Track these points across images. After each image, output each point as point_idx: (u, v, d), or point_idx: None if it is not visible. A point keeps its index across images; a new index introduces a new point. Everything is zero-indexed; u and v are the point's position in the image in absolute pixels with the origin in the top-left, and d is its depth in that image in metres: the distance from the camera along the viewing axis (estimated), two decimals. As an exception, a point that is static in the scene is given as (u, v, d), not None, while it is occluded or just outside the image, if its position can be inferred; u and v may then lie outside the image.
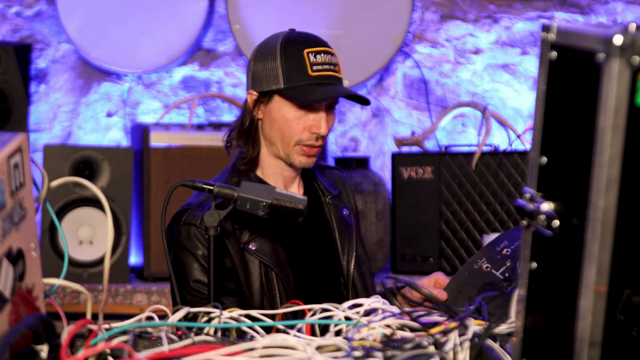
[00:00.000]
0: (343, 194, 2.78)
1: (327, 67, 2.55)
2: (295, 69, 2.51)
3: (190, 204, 2.57)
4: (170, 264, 2.33)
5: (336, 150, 4.39)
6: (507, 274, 2.16)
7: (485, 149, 3.93)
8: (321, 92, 2.51)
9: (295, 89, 2.50)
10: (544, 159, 1.47)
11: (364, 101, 2.56)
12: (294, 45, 2.54)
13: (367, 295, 2.59)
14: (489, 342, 1.62)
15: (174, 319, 1.73)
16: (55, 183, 1.73)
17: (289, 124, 2.53)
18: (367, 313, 1.80)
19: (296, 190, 2.66)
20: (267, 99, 2.54)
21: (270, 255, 2.53)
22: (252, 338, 1.71)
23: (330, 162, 4.14)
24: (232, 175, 2.61)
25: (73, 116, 4.24)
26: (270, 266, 2.50)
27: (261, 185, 2.33)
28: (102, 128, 4.25)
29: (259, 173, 2.61)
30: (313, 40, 2.58)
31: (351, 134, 4.41)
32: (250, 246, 2.51)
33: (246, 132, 2.59)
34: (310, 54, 2.54)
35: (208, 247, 2.27)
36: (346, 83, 4.13)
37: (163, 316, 1.77)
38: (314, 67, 2.53)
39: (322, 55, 2.56)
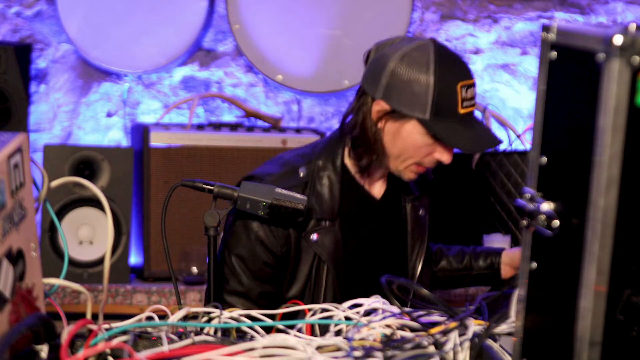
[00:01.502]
0: (422, 192, 2.65)
1: (472, 102, 2.37)
2: (446, 103, 2.31)
3: (263, 176, 2.43)
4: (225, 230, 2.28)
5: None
6: None
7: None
8: (469, 139, 2.34)
9: (440, 126, 2.31)
10: (544, 159, 1.47)
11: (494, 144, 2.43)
12: (449, 72, 2.33)
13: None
14: (489, 342, 1.62)
15: (174, 319, 1.73)
16: (55, 183, 1.73)
17: (417, 149, 2.37)
18: (367, 313, 1.80)
19: (380, 186, 2.54)
20: (401, 118, 2.35)
21: (328, 251, 2.43)
22: (252, 338, 1.71)
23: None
24: (322, 157, 2.47)
25: (73, 116, 4.24)
26: (325, 261, 2.41)
27: (261, 185, 2.33)
28: (102, 128, 4.25)
29: (346, 161, 2.48)
30: (466, 71, 2.38)
31: (351, 134, 4.41)
32: (310, 236, 2.41)
33: (367, 142, 2.40)
34: (463, 88, 2.34)
35: (208, 247, 2.27)
36: (346, 83, 4.13)
37: (163, 316, 1.77)
38: (464, 104, 2.34)
39: (472, 89, 2.37)
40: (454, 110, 2.32)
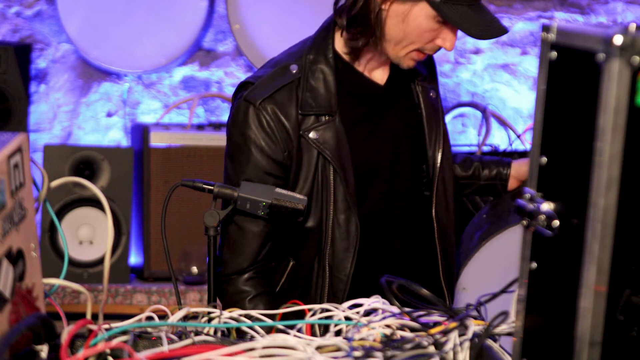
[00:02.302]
0: (430, 72, 2.55)
1: None
2: None
3: (255, 79, 2.36)
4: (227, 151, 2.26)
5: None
6: None
7: (486, 149, 3.92)
8: (479, 23, 2.26)
9: (450, 9, 2.23)
10: (544, 159, 1.47)
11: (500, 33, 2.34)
12: None
13: (449, 194, 2.47)
14: (489, 342, 1.62)
15: (174, 319, 1.73)
16: (55, 183, 1.73)
17: (421, 33, 2.29)
18: (367, 313, 1.80)
19: (382, 72, 2.44)
20: (409, 0, 2.26)
21: (330, 148, 2.34)
22: (252, 338, 1.71)
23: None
24: (312, 51, 2.37)
25: (73, 116, 4.24)
26: (329, 159, 2.33)
27: (261, 185, 2.32)
28: (102, 128, 4.25)
29: (338, 49, 2.38)
30: None
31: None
32: (310, 134, 2.33)
33: (367, 22, 2.29)
34: None
35: (208, 247, 2.27)
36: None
37: (163, 316, 1.77)
38: None
39: None
40: None
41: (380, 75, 2.45)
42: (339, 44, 2.41)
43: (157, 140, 3.82)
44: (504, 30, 2.33)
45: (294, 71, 2.39)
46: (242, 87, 2.41)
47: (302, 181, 2.36)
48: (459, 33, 2.32)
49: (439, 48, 2.33)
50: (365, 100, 2.44)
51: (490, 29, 2.32)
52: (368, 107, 2.43)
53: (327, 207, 2.36)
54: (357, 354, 1.55)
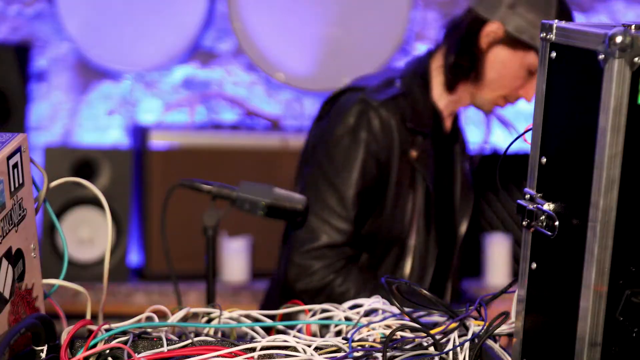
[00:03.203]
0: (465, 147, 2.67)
1: None
2: None
3: (364, 86, 2.43)
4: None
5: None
6: None
7: (487, 148, 3.92)
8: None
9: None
10: (544, 159, 1.47)
11: None
12: (565, 14, 2.36)
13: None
14: (489, 342, 1.62)
15: (173, 319, 1.72)
16: (55, 183, 1.72)
17: (513, 80, 2.41)
18: (367, 313, 1.79)
19: (449, 123, 2.55)
20: (512, 45, 2.38)
21: (426, 169, 2.44)
22: (252, 339, 1.71)
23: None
24: (411, 75, 2.47)
25: (73, 115, 4.24)
26: (424, 178, 2.43)
27: (260, 184, 2.32)
28: (102, 127, 4.25)
29: (434, 89, 2.48)
30: (573, 17, 2.43)
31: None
32: (410, 152, 2.43)
33: (470, 58, 2.42)
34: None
35: (207, 244, 2.27)
36: (347, 82, 4.12)
37: (163, 316, 1.76)
38: None
39: None
40: None
41: (448, 125, 2.55)
42: (434, 77, 2.50)
43: (158, 139, 3.82)
44: None
45: (398, 85, 2.47)
46: (350, 90, 2.46)
47: (392, 195, 2.42)
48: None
49: (519, 99, 2.46)
50: (436, 139, 2.52)
51: None
52: (436, 146, 2.51)
53: (411, 222, 2.42)
54: (357, 354, 1.55)
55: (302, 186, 2.48)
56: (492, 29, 2.40)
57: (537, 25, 2.34)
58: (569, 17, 2.41)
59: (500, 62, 2.41)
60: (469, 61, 2.42)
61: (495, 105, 2.49)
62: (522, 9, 2.38)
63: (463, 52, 2.42)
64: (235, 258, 3.79)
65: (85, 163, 3.79)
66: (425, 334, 1.60)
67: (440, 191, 2.52)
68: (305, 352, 1.57)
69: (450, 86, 2.47)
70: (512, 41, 2.39)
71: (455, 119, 2.60)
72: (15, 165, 1.51)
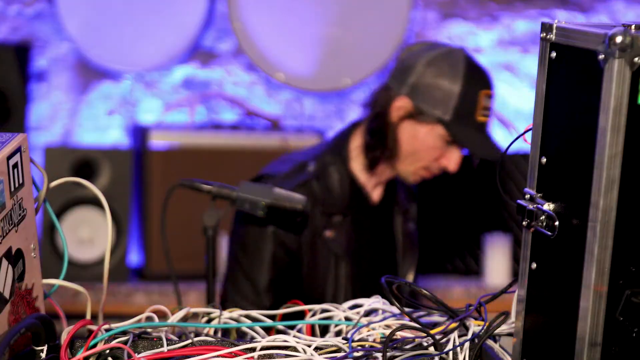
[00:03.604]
0: (412, 206, 2.69)
1: (489, 112, 2.45)
2: (468, 109, 2.38)
3: (273, 174, 2.47)
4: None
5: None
6: None
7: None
8: (486, 146, 2.41)
9: (460, 130, 2.38)
10: (544, 159, 1.47)
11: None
12: (474, 79, 2.40)
13: None
14: (489, 342, 1.62)
15: (173, 319, 1.72)
16: (55, 183, 1.72)
17: (429, 151, 2.44)
18: (367, 313, 1.79)
19: (378, 192, 2.58)
20: (421, 118, 2.41)
21: (343, 247, 2.47)
22: (252, 339, 1.71)
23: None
24: (329, 155, 2.49)
25: (73, 115, 4.24)
26: (340, 257, 2.45)
27: (260, 185, 2.33)
28: (102, 127, 4.25)
29: (354, 165, 2.52)
30: (489, 81, 2.45)
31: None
32: (324, 233, 2.45)
33: (383, 136, 2.45)
34: (485, 97, 2.41)
35: (207, 244, 2.27)
36: (347, 82, 4.13)
37: (163, 316, 1.76)
38: (483, 113, 2.41)
39: (491, 100, 2.44)
40: (472, 116, 2.38)
41: (376, 195, 2.57)
42: (354, 153, 2.52)
43: (158, 139, 3.82)
44: (499, 153, 2.47)
45: (311, 169, 2.50)
46: (258, 180, 2.48)
47: (315, 276, 2.46)
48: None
49: (444, 168, 2.46)
50: (362, 212, 2.55)
51: (493, 150, 2.44)
52: (364, 219, 2.55)
53: (335, 294, 2.48)
54: (357, 354, 1.55)
55: (225, 272, 2.56)
56: (401, 104, 2.41)
57: (444, 96, 2.36)
58: (481, 83, 2.42)
59: (412, 136, 2.43)
60: (383, 138, 2.45)
61: (419, 176, 2.50)
62: (428, 80, 2.39)
63: (377, 129, 2.45)
64: (235, 258, 3.79)
65: (85, 163, 3.79)
66: (425, 334, 1.60)
67: (372, 257, 2.57)
68: (305, 352, 1.57)
69: (370, 166, 2.51)
70: (421, 114, 2.41)
71: (390, 184, 2.60)
72: (15, 165, 1.51)
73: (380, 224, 2.57)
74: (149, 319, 1.68)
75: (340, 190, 2.48)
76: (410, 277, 2.60)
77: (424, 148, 2.43)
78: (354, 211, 2.49)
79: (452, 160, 2.45)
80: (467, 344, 1.59)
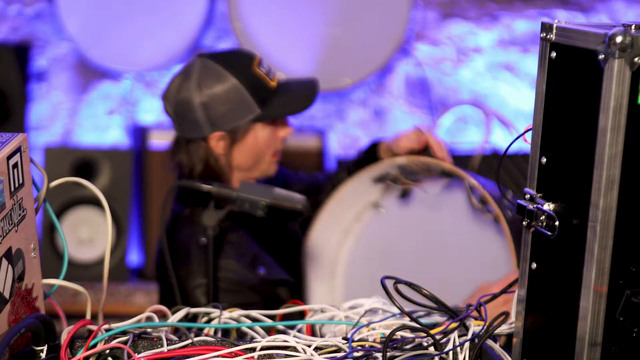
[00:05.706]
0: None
1: (273, 71, 2.48)
2: (260, 88, 2.41)
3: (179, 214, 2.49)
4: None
5: (337, 149, 4.39)
6: None
7: (487, 148, 3.92)
8: (299, 100, 2.46)
9: (272, 108, 2.43)
10: (544, 159, 1.47)
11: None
12: (238, 65, 2.42)
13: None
14: (489, 342, 1.62)
15: (173, 319, 1.72)
16: (55, 183, 1.72)
17: (267, 142, 2.47)
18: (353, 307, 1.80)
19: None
20: (238, 133, 2.44)
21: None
22: (252, 339, 1.71)
23: (333, 162, 4.13)
24: (191, 225, 2.46)
25: (73, 115, 4.24)
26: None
27: (260, 185, 2.33)
28: (102, 127, 4.25)
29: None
30: (246, 52, 2.48)
31: (352, 133, 4.41)
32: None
33: (216, 175, 2.46)
34: (259, 65, 2.43)
35: (207, 245, 2.27)
36: (347, 81, 4.13)
37: (163, 316, 1.76)
38: (270, 77, 2.45)
39: (264, 61, 2.47)
40: (268, 88, 2.41)
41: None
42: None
43: (157, 139, 3.81)
44: (312, 99, 2.50)
45: (202, 243, 2.44)
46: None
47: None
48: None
49: (285, 138, 2.50)
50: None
51: (307, 99, 2.48)
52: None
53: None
54: (357, 354, 1.55)
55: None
56: (215, 141, 2.41)
57: (234, 97, 2.38)
58: (244, 58, 2.44)
59: (247, 150, 2.45)
60: (216, 173, 2.45)
61: (273, 163, 2.52)
62: (209, 102, 2.38)
63: (214, 175, 2.44)
64: (235, 258, 3.80)
65: (85, 163, 3.78)
66: (425, 334, 1.60)
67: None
68: (305, 352, 1.57)
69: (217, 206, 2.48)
70: (235, 132, 2.42)
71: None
72: (15, 165, 1.51)
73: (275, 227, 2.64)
74: (149, 319, 1.68)
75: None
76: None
77: (263, 145, 2.46)
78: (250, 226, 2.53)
79: (285, 128, 2.49)
80: (467, 344, 1.59)
